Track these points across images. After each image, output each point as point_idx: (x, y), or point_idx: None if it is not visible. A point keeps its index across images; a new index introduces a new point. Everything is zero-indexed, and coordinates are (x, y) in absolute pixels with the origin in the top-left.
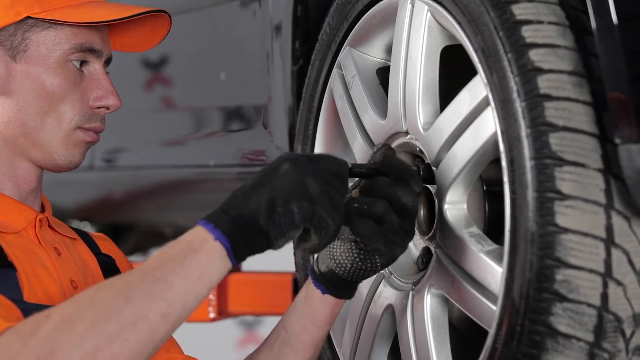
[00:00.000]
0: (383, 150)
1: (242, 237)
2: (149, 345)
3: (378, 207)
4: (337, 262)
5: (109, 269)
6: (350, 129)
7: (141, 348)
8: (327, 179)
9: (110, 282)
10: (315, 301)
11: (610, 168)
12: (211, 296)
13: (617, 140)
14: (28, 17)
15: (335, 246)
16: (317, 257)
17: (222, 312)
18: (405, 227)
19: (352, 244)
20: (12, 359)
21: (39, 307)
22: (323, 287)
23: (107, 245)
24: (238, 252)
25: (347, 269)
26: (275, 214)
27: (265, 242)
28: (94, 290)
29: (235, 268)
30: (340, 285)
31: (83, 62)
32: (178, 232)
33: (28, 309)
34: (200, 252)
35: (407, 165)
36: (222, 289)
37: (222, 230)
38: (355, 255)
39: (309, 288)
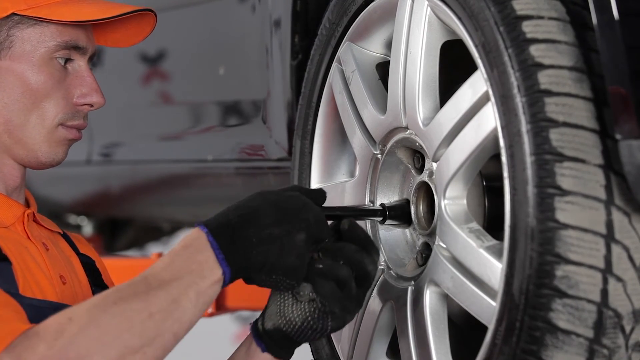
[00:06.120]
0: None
1: (241, 275)
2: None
3: (343, 271)
4: (287, 319)
5: (91, 269)
6: (349, 124)
7: None
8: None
9: (134, 291)
10: (255, 359)
11: (611, 164)
12: None
13: (618, 136)
14: (13, 14)
15: (287, 304)
16: (264, 313)
17: (220, 307)
18: (359, 295)
19: (307, 303)
20: None
21: (34, 301)
22: (264, 345)
23: (83, 247)
24: (226, 284)
25: (297, 327)
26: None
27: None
28: (119, 298)
29: None
30: (281, 345)
31: (67, 60)
32: (176, 227)
33: (24, 303)
34: (208, 280)
35: (369, 237)
36: None
37: (231, 270)
38: (309, 314)
39: (252, 346)
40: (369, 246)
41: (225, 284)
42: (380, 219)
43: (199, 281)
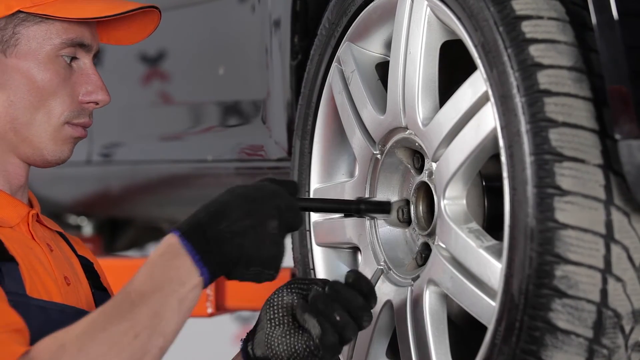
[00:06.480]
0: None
1: (220, 272)
2: None
3: (351, 333)
4: (274, 352)
5: (90, 271)
6: (349, 124)
7: None
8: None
9: (119, 312)
10: None
11: (610, 164)
12: (209, 292)
13: (617, 136)
14: (19, 11)
15: (274, 334)
16: (253, 338)
17: (220, 308)
18: None
19: (300, 335)
20: None
21: (40, 302)
22: None
23: (81, 249)
24: (206, 285)
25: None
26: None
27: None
28: (107, 322)
29: None
30: None
31: (72, 58)
32: None
33: (31, 304)
34: (187, 285)
35: (374, 289)
36: (219, 284)
37: (209, 270)
38: (297, 349)
39: None
40: (371, 298)
41: (206, 284)
42: (356, 213)
43: (178, 288)
